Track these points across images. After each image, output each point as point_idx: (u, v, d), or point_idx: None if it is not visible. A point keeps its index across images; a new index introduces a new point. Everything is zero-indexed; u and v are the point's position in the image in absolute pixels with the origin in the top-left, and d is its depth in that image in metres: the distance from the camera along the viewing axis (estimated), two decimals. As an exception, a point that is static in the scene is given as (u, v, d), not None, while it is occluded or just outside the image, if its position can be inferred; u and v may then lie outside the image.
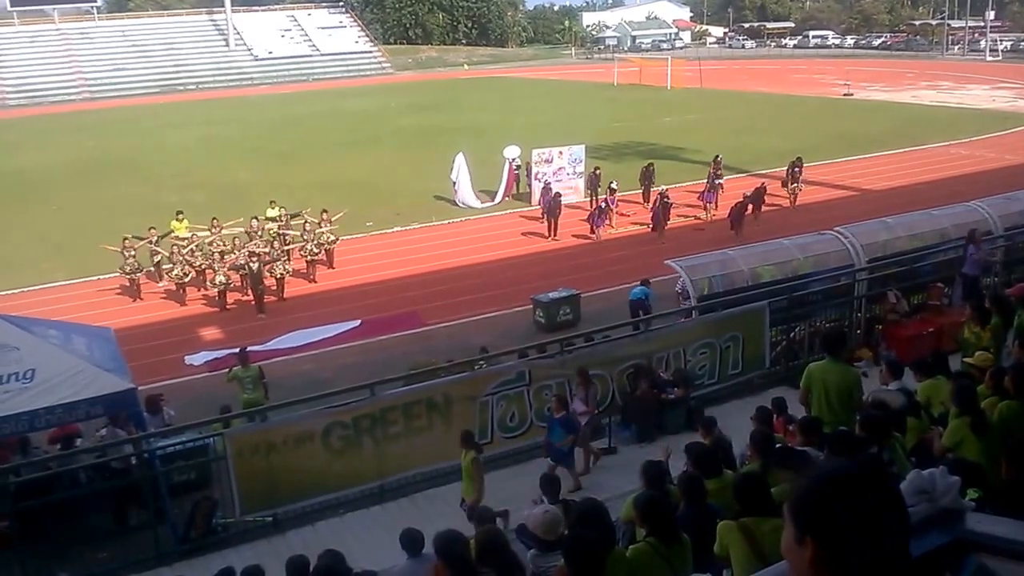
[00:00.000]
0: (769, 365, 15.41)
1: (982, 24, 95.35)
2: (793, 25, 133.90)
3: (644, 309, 18.71)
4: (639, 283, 19.58)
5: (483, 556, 6.65)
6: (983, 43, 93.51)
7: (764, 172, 30.02)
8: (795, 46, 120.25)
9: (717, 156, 31.85)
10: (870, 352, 14.38)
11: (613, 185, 29.42)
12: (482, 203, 33.16)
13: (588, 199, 31.28)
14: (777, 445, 8.31)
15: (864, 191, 32.77)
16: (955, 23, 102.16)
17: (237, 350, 17.17)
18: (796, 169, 31.04)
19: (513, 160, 33.80)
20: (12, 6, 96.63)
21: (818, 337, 15.10)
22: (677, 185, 32.53)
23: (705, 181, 30.32)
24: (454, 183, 33.18)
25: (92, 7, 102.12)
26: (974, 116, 50.45)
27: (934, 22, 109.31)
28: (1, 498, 11.86)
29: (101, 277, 25.46)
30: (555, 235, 28.31)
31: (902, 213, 19.70)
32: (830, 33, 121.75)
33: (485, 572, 6.53)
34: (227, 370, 16.50)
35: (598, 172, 32.12)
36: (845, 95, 61.59)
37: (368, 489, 12.75)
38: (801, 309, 15.93)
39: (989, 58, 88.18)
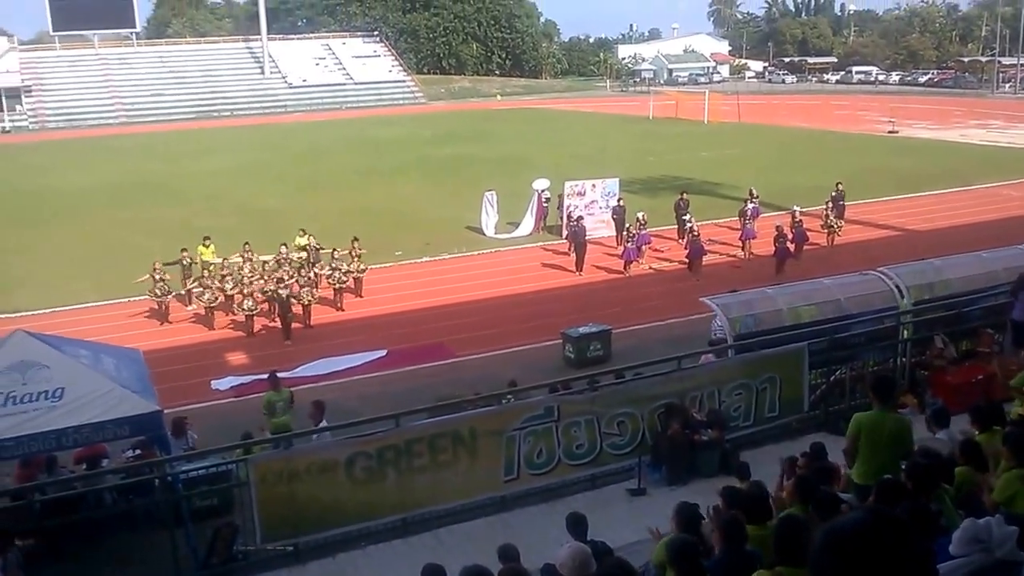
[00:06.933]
0: (808, 409, 15.00)
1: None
2: (836, 60, 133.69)
3: None
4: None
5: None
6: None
7: (804, 210, 29.55)
8: (838, 81, 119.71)
9: (751, 190, 31.47)
10: (915, 399, 13.94)
11: (640, 215, 28.55)
12: (496, 232, 33.10)
13: (615, 234, 30.77)
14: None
15: (909, 231, 32.06)
16: (1006, 60, 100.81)
17: (264, 376, 17.11)
18: (838, 203, 30.60)
19: (543, 192, 33.64)
20: (54, 31, 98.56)
21: (860, 382, 14.67)
22: (712, 221, 32.27)
23: (739, 218, 30.00)
24: (484, 218, 33.27)
25: (131, 33, 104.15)
26: (1026, 157, 49.53)
27: (984, 59, 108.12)
28: (26, 516, 11.80)
29: (132, 299, 25.52)
30: (581, 270, 27.96)
31: (950, 255, 19.24)
32: (874, 69, 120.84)
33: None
34: (256, 395, 16.43)
35: (622, 204, 31.58)
36: (890, 132, 60.72)
37: (391, 522, 12.51)
38: (842, 351, 15.46)
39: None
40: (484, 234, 32.93)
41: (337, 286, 25.11)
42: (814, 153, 51.83)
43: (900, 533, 1.87)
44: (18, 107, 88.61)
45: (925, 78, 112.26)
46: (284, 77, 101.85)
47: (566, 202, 31.78)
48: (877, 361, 15.82)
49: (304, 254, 26.24)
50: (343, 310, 25.04)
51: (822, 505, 7.22)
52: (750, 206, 29.83)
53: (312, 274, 24.95)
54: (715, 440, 13.70)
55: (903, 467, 8.34)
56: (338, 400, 17.78)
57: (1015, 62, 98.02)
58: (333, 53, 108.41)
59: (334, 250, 25.63)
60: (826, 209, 30.28)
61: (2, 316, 24.25)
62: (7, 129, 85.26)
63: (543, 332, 21.75)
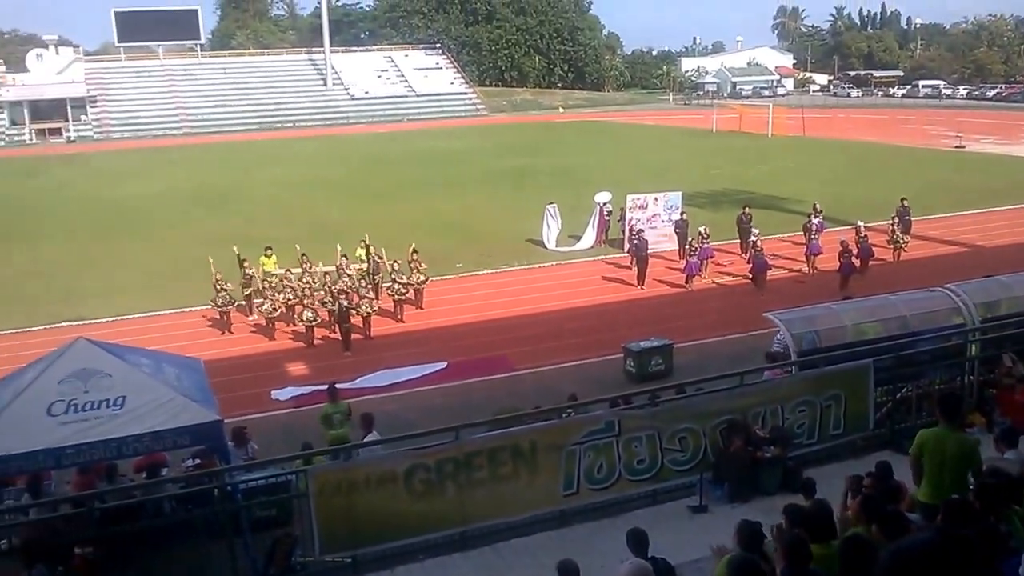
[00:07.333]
0: (873, 427, 14.69)
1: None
2: (902, 74, 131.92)
3: None
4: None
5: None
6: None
7: (869, 225, 29.03)
8: (904, 95, 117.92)
9: (815, 204, 31.00)
10: (983, 418, 13.59)
11: (702, 229, 28.54)
12: (557, 245, 33.05)
13: (678, 248, 30.47)
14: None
15: (976, 247, 31.30)
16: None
17: (324, 386, 17.19)
18: (904, 218, 30.05)
19: (604, 205, 33.56)
20: (119, 42, 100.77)
21: (926, 399, 14.33)
22: (776, 235, 31.86)
23: (803, 233, 29.58)
24: (546, 231, 33.26)
25: (196, 44, 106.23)
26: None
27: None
28: (86, 524, 11.89)
29: (194, 309, 25.87)
30: (643, 284, 27.74)
31: (1018, 272, 18.74)
32: (941, 83, 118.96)
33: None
34: (315, 406, 16.52)
35: (685, 218, 31.36)
36: (957, 147, 59.65)
37: (449, 535, 12.42)
38: (908, 369, 15.12)
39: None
40: (545, 247, 32.89)
41: (397, 297, 25.19)
42: (880, 167, 51.00)
43: (968, 554, 1.85)
44: (83, 117, 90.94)
45: (993, 92, 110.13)
46: (346, 89, 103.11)
47: (628, 215, 31.57)
48: (944, 379, 15.40)
49: (364, 265, 26.37)
50: (403, 321, 25.09)
51: (888, 524, 7.04)
52: (815, 221, 29.28)
53: (372, 285, 25.06)
54: (778, 457, 13.46)
55: (971, 487, 8.14)
56: (397, 412, 17.83)
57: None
58: (395, 65, 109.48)
59: (395, 261, 25.73)
60: (892, 224, 29.70)
61: (66, 324, 24.69)
62: (72, 139, 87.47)
63: (604, 346, 21.59)
